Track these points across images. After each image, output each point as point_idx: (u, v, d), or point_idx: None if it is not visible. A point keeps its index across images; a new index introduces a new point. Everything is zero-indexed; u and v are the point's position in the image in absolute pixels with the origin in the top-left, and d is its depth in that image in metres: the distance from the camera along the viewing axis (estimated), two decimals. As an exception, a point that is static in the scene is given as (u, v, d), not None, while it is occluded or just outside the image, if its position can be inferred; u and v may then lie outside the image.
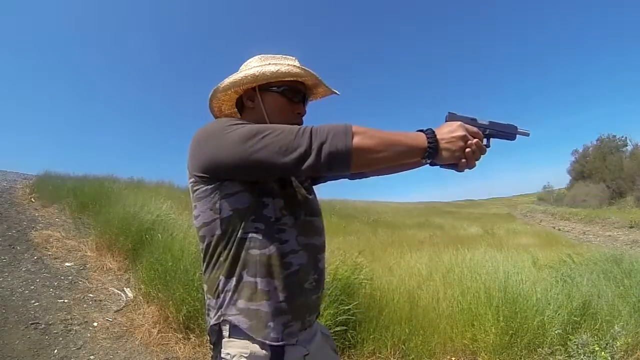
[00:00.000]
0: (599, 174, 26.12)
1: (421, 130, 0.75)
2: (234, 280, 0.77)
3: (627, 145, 26.02)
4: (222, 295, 0.78)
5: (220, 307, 0.78)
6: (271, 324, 0.75)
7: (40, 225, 4.62)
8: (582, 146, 31.37)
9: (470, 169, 0.77)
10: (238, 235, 0.76)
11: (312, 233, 0.87)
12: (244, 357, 0.75)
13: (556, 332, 2.29)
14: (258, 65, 0.84)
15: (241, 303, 0.76)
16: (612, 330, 2.19)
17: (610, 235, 11.27)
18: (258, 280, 0.76)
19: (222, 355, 0.77)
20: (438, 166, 0.78)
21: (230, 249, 0.77)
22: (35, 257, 3.60)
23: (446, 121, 0.78)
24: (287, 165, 0.70)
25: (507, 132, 0.85)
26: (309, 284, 0.83)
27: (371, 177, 1.11)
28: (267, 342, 0.75)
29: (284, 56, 0.88)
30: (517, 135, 0.86)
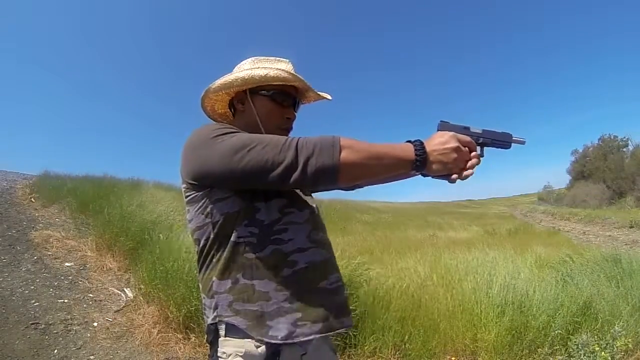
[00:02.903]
0: (599, 174, 26.15)
1: (409, 142, 0.74)
2: (229, 282, 0.77)
3: (627, 146, 26.09)
4: (216, 297, 0.78)
5: (216, 307, 0.78)
6: (270, 322, 0.75)
7: (40, 225, 4.62)
8: (582, 146, 31.45)
9: (462, 180, 0.76)
10: (232, 239, 0.77)
11: (323, 231, 0.87)
12: (239, 355, 0.75)
13: (557, 332, 2.29)
14: (249, 69, 0.84)
15: (238, 305, 0.76)
16: (612, 330, 2.19)
17: (610, 235, 11.26)
18: (255, 282, 0.76)
19: (219, 354, 0.77)
20: (430, 177, 0.77)
21: (223, 252, 0.77)
22: (35, 257, 3.60)
23: (438, 130, 0.77)
24: (272, 180, 0.69)
25: (502, 141, 0.82)
26: (325, 283, 0.81)
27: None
28: (265, 339, 0.75)
29: (277, 59, 0.87)
30: (512, 144, 0.83)
